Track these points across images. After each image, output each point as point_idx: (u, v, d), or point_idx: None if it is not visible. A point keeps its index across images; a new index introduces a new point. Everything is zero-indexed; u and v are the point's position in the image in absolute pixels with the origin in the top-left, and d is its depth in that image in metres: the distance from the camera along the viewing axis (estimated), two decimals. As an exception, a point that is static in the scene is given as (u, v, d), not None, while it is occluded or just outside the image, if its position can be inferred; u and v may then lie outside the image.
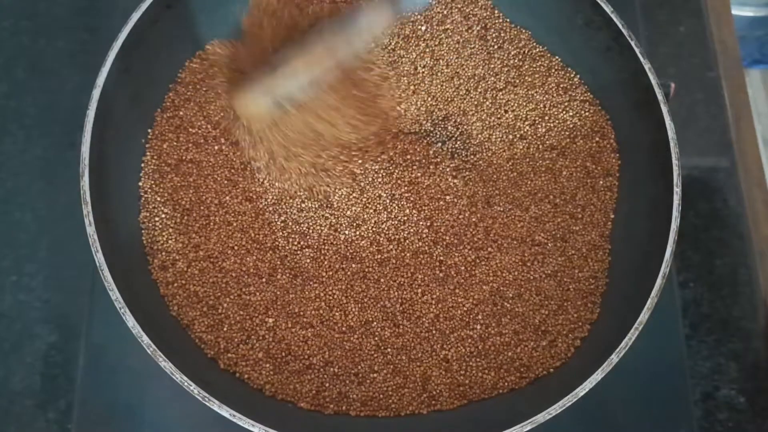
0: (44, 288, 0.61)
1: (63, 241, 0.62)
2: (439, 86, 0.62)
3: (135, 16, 0.55)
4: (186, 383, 0.47)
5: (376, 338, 0.55)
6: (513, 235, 0.59)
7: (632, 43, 0.56)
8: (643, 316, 0.50)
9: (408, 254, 0.58)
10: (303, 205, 0.58)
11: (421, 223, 0.58)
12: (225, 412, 0.47)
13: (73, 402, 0.58)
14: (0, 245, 0.62)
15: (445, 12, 0.64)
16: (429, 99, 0.62)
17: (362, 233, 0.58)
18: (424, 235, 0.58)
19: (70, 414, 0.57)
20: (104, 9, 0.69)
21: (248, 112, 0.52)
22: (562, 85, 0.63)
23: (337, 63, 0.49)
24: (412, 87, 0.62)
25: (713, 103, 0.70)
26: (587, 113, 0.62)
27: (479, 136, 0.61)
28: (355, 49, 0.50)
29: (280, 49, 0.51)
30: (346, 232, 0.58)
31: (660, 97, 0.55)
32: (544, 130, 0.62)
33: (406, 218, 0.58)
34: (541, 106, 0.62)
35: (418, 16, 0.64)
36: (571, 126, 0.62)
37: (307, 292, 0.56)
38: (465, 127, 0.62)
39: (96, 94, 0.53)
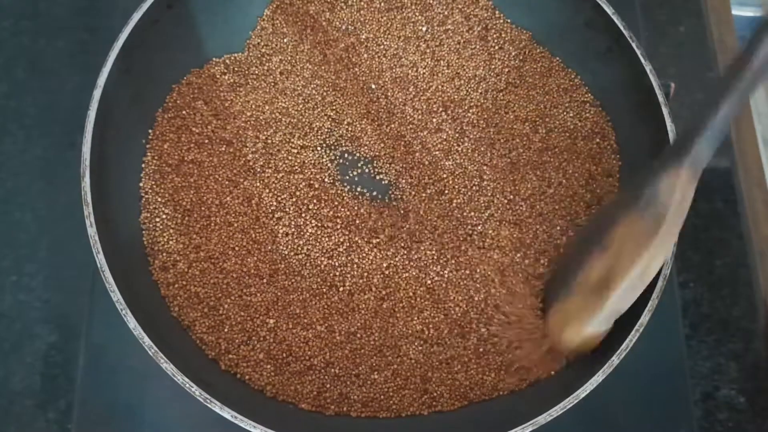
0: (44, 288, 0.61)
1: (63, 241, 0.62)
2: (439, 87, 0.62)
3: (136, 16, 0.55)
4: (188, 385, 0.47)
5: (377, 340, 0.55)
6: (512, 236, 0.59)
7: (633, 45, 0.56)
8: (644, 317, 0.50)
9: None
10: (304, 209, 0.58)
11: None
12: (226, 413, 0.46)
13: (73, 402, 0.58)
14: (0, 245, 0.62)
15: (446, 12, 0.64)
16: (430, 98, 0.62)
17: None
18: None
19: (70, 414, 0.57)
20: (104, 9, 0.69)
21: (578, 342, 0.51)
22: (562, 86, 0.63)
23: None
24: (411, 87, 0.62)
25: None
26: (588, 114, 0.62)
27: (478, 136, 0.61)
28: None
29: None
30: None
31: (660, 98, 0.55)
32: (544, 131, 0.62)
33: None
34: (542, 107, 0.62)
35: (419, 17, 0.64)
36: (572, 127, 0.62)
37: (307, 294, 0.56)
38: (464, 126, 0.62)
39: (97, 94, 0.53)
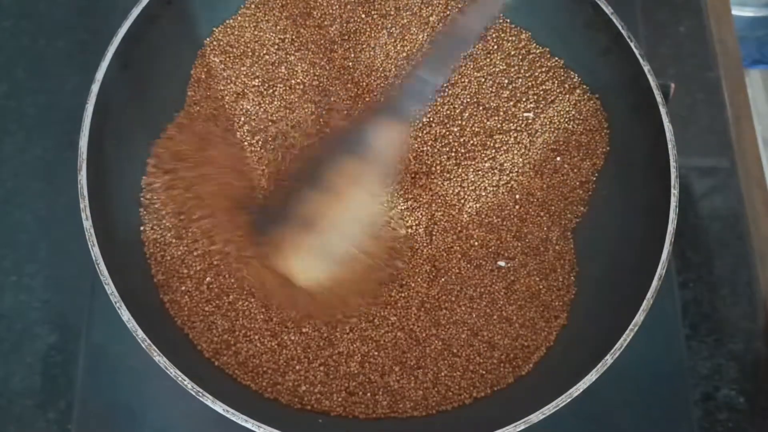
0: (44, 288, 0.61)
1: (63, 241, 0.62)
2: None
3: (135, 12, 0.55)
4: (180, 378, 0.47)
5: (374, 341, 0.55)
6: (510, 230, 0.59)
7: (632, 45, 0.56)
8: (639, 317, 0.49)
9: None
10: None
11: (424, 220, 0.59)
12: (219, 407, 0.46)
13: (73, 402, 0.58)
14: (0, 245, 0.62)
15: (445, 12, 0.64)
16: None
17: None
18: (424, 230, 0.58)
19: (70, 414, 0.57)
20: (104, 9, 0.69)
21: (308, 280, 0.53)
22: (561, 86, 0.63)
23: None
24: None
25: (713, 103, 0.70)
26: (586, 114, 0.62)
27: (477, 137, 0.61)
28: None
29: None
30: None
31: (659, 99, 0.55)
32: (542, 131, 0.62)
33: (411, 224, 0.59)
34: (540, 106, 0.62)
35: (419, 17, 0.64)
36: (570, 127, 0.62)
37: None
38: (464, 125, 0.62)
39: (95, 88, 0.53)
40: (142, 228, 0.57)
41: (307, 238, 0.52)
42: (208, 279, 0.56)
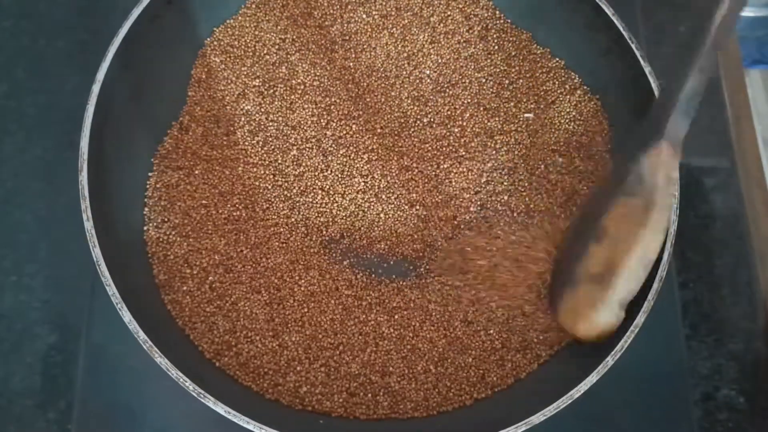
0: (44, 288, 0.61)
1: (63, 241, 0.62)
2: (438, 87, 0.62)
3: (135, 12, 0.55)
4: (181, 379, 0.47)
5: (373, 343, 0.55)
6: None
7: (633, 46, 0.56)
8: (639, 318, 0.49)
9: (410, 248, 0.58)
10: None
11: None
12: (220, 408, 0.46)
13: (73, 402, 0.58)
14: (0, 245, 0.62)
15: (446, 12, 0.64)
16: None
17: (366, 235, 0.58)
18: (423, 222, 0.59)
19: (70, 414, 0.57)
20: (104, 9, 0.69)
21: (598, 331, 0.51)
22: (561, 87, 0.63)
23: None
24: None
25: (713, 103, 0.70)
26: (587, 115, 0.62)
27: (478, 138, 0.61)
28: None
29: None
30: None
31: (659, 99, 0.55)
32: (543, 131, 0.62)
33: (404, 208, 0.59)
34: (541, 107, 0.62)
35: (419, 17, 0.64)
36: (571, 128, 0.62)
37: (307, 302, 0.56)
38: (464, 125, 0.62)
39: (96, 89, 0.53)
40: (145, 228, 0.57)
41: (599, 295, 0.50)
42: (210, 278, 0.56)
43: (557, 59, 0.64)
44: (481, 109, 0.62)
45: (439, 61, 0.63)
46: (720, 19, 0.45)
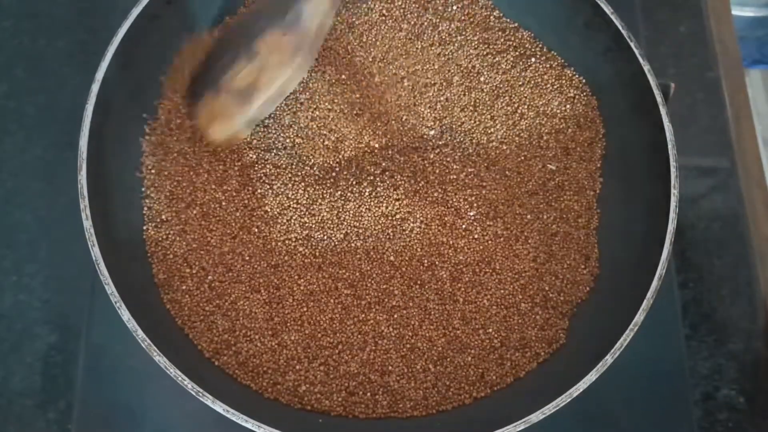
0: (44, 288, 0.61)
1: (63, 241, 0.62)
2: (439, 87, 0.62)
3: (135, 12, 0.55)
4: (180, 378, 0.47)
5: (372, 342, 0.55)
6: (509, 233, 0.59)
7: (632, 45, 0.56)
8: (639, 317, 0.50)
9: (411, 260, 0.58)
10: (305, 210, 0.58)
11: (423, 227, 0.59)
12: (219, 407, 0.46)
13: (73, 402, 0.58)
14: (0, 245, 0.62)
15: (446, 12, 0.64)
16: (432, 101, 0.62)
17: (364, 245, 0.58)
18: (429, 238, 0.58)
19: (70, 414, 0.58)
20: (104, 9, 0.69)
21: (224, 138, 0.56)
22: (561, 86, 0.63)
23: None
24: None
25: (713, 103, 0.70)
26: (586, 114, 0.62)
27: (479, 136, 0.61)
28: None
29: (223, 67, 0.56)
30: (346, 243, 0.58)
31: (659, 99, 0.55)
32: (542, 130, 0.62)
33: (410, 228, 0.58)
34: (541, 106, 0.62)
35: (419, 16, 0.64)
36: (570, 127, 0.62)
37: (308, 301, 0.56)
38: (465, 127, 0.62)
39: (95, 88, 0.53)
40: (144, 227, 0.57)
41: (238, 108, 0.56)
42: (210, 278, 0.56)
43: (557, 58, 0.63)
44: (479, 107, 0.62)
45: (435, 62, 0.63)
46: None
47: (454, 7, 0.65)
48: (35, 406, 0.58)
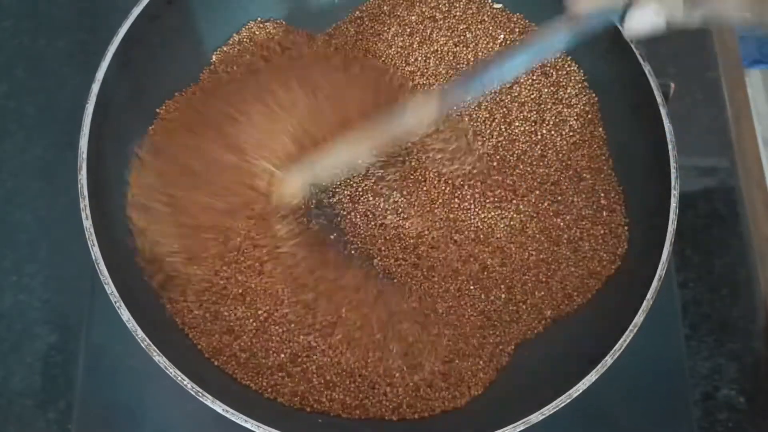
0: (44, 288, 0.61)
1: (63, 241, 0.62)
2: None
3: (135, 12, 0.55)
4: (180, 378, 0.47)
5: (372, 345, 0.55)
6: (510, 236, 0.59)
7: (632, 45, 0.56)
8: (638, 317, 0.50)
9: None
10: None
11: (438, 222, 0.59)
12: (218, 407, 0.46)
13: (73, 402, 0.58)
14: (0, 245, 0.62)
15: (448, 11, 0.65)
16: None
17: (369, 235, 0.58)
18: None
19: (70, 414, 0.58)
20: (104, 9, 0.69)
21: (288, 192, 0.55)
22: (561, 86, 0.63)
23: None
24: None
25: (713, 103, 0.70)
26: (586, 114, 0.62)
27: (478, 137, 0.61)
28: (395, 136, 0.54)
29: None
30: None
31: (659, 99, 0.55)
32: (542, 130, 0.62)
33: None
34: (541, 106, 0.62)
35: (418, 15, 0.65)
36: (570, 127, 0.62)
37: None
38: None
39: (95, 88, 0.53)
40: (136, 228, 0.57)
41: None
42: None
43: (557, 58, 0.63)
44: (480, 109, 0.62)
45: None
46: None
47: (457, 7, 0.65)
48: (35, 406, 0.58)
